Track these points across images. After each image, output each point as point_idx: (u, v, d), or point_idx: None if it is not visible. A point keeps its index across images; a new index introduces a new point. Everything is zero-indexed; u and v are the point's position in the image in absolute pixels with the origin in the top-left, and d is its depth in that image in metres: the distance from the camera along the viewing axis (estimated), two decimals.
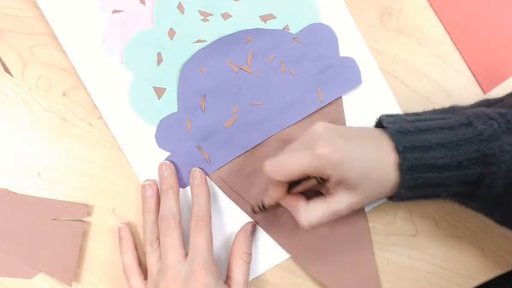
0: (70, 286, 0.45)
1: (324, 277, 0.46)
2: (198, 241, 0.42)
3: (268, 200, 0.42)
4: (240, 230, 0.46)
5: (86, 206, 0.46)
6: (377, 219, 0.47)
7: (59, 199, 0.46)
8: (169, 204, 0.43)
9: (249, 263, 0.44)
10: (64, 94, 0.47)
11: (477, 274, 0.47)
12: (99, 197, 0.46)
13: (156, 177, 0.46)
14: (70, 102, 0.47)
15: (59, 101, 0.47)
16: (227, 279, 0.44)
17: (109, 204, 0.46)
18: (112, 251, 0.46)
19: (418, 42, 0.47)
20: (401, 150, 0.37)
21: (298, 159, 0.38)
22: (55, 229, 0.45)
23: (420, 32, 0.48)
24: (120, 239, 0.45)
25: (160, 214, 0.43)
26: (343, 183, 0.38)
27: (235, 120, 0.46)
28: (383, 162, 0.38)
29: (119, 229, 0.45)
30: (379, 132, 0.40)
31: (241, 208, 0.46)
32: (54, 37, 0.47)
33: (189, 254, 0.42)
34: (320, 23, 0.47)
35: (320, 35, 0.47)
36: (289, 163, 0.38)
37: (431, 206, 0.47)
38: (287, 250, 0.46)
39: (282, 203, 0.42)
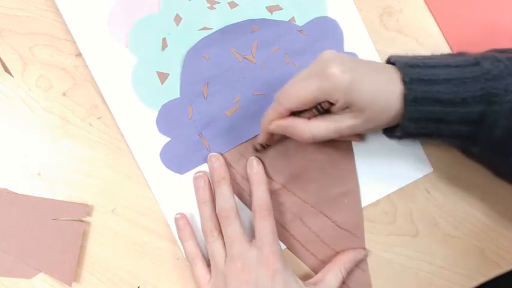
0: (70, 286, 0.45)
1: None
2: (263, 230, 0.42)
3: (269, 128, 0.42)
4: (354, 249, 0.46)
5: (86, 206, 0.46)
6: (377, 219, 0.47)
7: (59, 199, 0.46)
8: (224, 195, 0.44)
9: (344, 278, 0.45)
10: (64, 94, 0.47)
11: (477, 274, 0.47)
12: (99, 197, 0.46)
13: (158, 158, 0.46)
14: (70, 102, 0.47)
15: (59, 101, 0.47)
16: (314, 280, 0.44)
17: (109, 204, 0.46)
18: (112, 251, 0.46)
19: (418, 42, 0.47)
20: (408, 81, 0.38)
21: (307, 84, 0.39)
22: (55, 229, 0.45)
23: (420, 32, 0.48)
24: (179, 228, 0.45)
25: (217, 206, 0.44)
26: (349, 108, 0.39)
27: (237, 109, 0.46)
28: (389, 91, 0.38)
29: (177, 219, 0.45)
30: (387, 65, 0.40)
31: (239, 198, 0.46)
32: (55, 37, 0.47)
33: (256, 242, 0.42)
34: (326, 17, 0.47)
35: (326, 29, 0.47)
36: (299, 88, 0.39)
37: (431, 206, 0.47)
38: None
39: (282, 123, 0.42)
